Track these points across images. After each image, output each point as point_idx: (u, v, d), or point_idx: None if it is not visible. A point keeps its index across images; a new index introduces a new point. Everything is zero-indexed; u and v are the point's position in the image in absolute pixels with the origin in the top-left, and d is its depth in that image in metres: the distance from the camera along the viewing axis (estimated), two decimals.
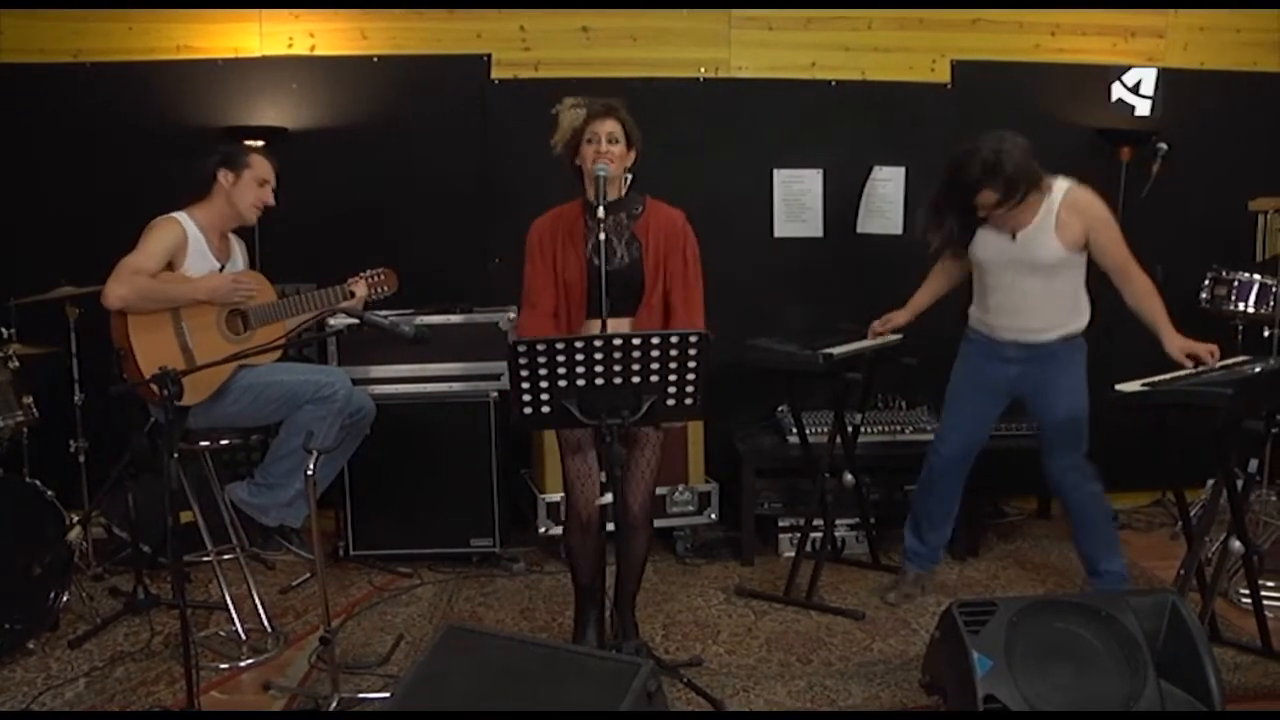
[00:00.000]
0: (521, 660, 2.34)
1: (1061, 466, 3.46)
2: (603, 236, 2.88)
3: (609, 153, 2.95)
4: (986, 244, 3.41)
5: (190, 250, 3.32)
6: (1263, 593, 3.22)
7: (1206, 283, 4.22)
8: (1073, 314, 3.42)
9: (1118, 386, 3.03)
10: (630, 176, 3.08)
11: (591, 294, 3.00)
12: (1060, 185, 3.32)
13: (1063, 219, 3.29)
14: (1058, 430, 3.44)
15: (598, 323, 2.95)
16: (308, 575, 3.91)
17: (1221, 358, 3.18)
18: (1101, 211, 3.32)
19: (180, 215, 3.34)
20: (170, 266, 3.29)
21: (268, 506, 3.46)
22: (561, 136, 3.03)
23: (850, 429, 3.89)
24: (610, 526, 2.85)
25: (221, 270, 3.40)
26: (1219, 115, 4.64)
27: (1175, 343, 3.18)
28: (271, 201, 3.46)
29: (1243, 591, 3.43)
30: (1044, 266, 3.33)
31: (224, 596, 3.44)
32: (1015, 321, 3.43)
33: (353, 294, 3.54)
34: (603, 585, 3.00)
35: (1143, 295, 3.27)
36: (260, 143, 4.22)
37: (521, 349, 2.62)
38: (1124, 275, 3.30)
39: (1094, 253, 3.35)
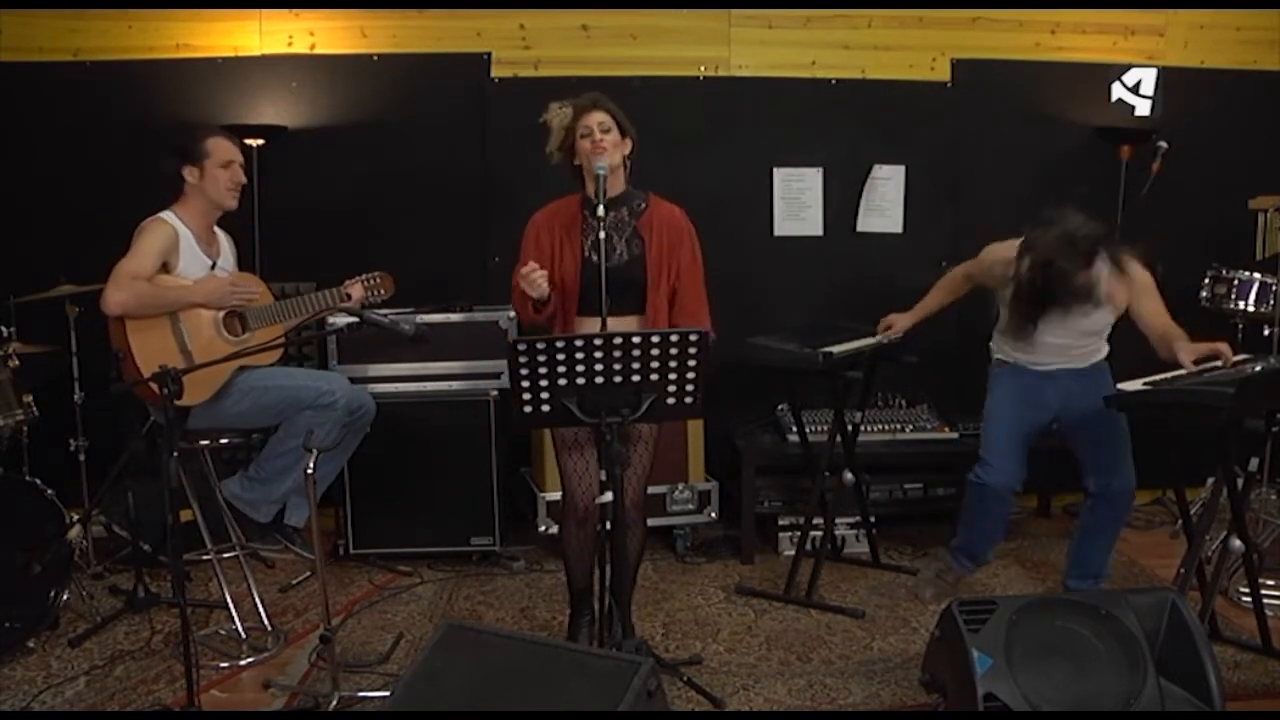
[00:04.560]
0: (521, 659, 2.34)
1: (1124, 485, 3.43)
2: (603, 235, 2.88)
3: (603, 141, 2.95)
4: None
5: (182, 249, 3.31)
6: (1263, 591, 3.22)
7: (1206, 281, 4.22)
8: (1104, 344, 3.53)
9: (1119, 386, 3.03)
10: (629, 165, 3.08)
11: (586, 291, 3.00)
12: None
13: (1110, 290, 3.34)
14: (1108, 443, 3.43)
15: (591, 320, 2.96)
16: (308, 574, 3.91)
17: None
18: (1146, 281, 3.36)
19: (167, 215, 3.34)
20: (165, 267, 3.28)
21: (259, 502, 3.46)
22: (556, 138, 3.04)
23: (850, 427, 3.88)
24: (606, 525, 2.84)
25: (213, 268, 3.40)
26: (1219, 114, 4.63)
27: (1185, 351, 3.17)
28: (243, 179, 3.40)
29: (1243, 590, 3.43)
30: (1093, 331, 3.45)
31: (224, 595, 3.44)
32: (1060, 358, 3.50)
33: (349, 296, 3.54)
34: (602, 587, 2.99)
35: (1175, 343, 3.22)
36: (259, 141, 4.23)
37: (521, 348, 2.62)
38: (1163, 341, 3.26)
39: (1135, 319, 3.37)
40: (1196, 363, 3.12)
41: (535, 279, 2.90)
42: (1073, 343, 3.46)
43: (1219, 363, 3.10)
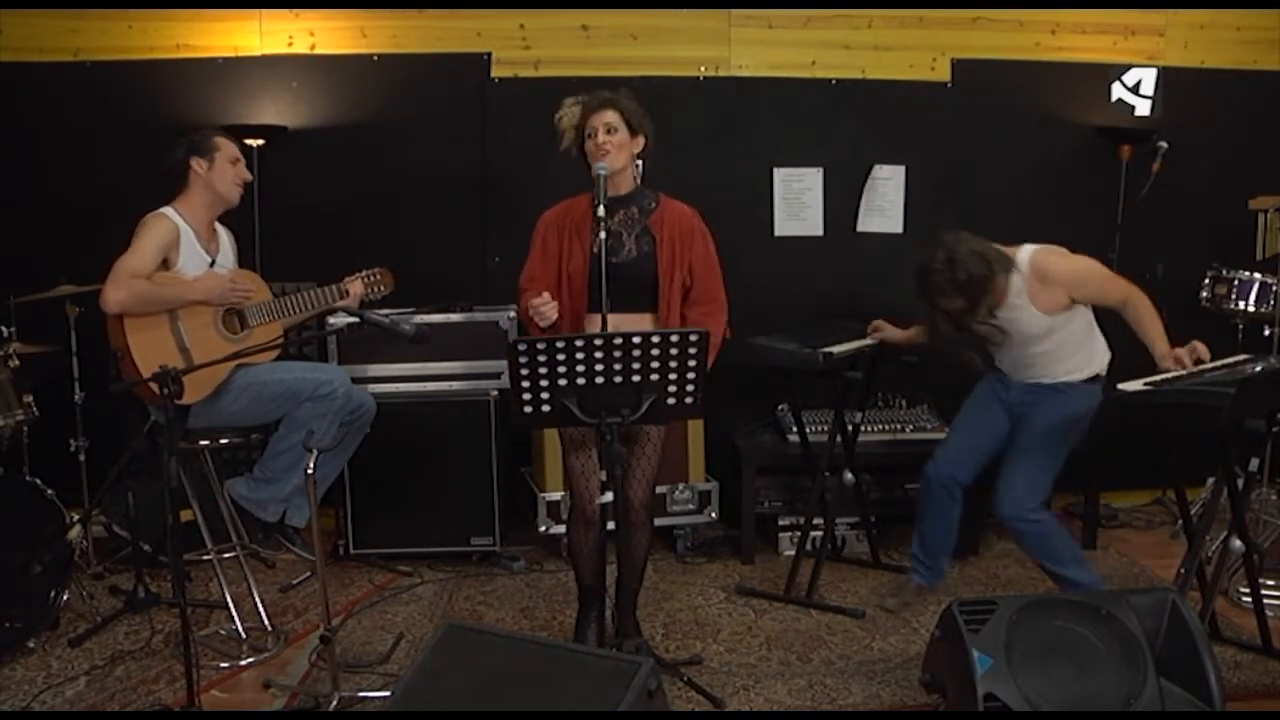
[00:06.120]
0: (521, 659, 2.34)
1: (1010, 509, 3.31)
2: (604, 235, 2.88)
3: (606, 144, 2.96)
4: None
5: (183, 246, 3.31)
6: (1263, 591, 3.22)
7: (1207, 281, 4.22)
8: (1084, 358, 3.37)
9: (1119, 386, 3.03)
10: (641, 164, 3.09)
11: (593, 287, 3.01)
12: (1022, 256, 3.25)
13: (1034, 290, 3.24)
14: (1024, 458, 3.33)
15: (599, 317, 2.96)
16: (308, 574, 3.91)
17: (1221, 356, 3.16)
18: (1070, 270, 3.25)
19: (168, 211, 3.33)
20: (165, 264, 3.28)
21: (266, 501, 3.46)
22: (567, 138, 3.07)
23: (850, 427, 3.88)
24: (611, 525, 2.85)
25: (212, 265, 3.40)
26: (1219, 114, 4.63)
27: (1161, 351, 3.12)
28: (249, 176, 3.45)
29: (1243, 590, 3.43)
30: (1034, 336, 3.31)
31: (224, 595, 3.44)
32: (1029, 374, 3.41)
33: (347, 293, 3.55)
34: (604, 584, 3.00)
35: (1142, 316, 3.18)
36: (260, 141, 4.23)
37: (522, 348, 2.62)
38: (1123, 307, 3.22)
39: (1090, 304, 3.31)
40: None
41: (545, 311, 2.94)
42: (1017, 351, 3.36)
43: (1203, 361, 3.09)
